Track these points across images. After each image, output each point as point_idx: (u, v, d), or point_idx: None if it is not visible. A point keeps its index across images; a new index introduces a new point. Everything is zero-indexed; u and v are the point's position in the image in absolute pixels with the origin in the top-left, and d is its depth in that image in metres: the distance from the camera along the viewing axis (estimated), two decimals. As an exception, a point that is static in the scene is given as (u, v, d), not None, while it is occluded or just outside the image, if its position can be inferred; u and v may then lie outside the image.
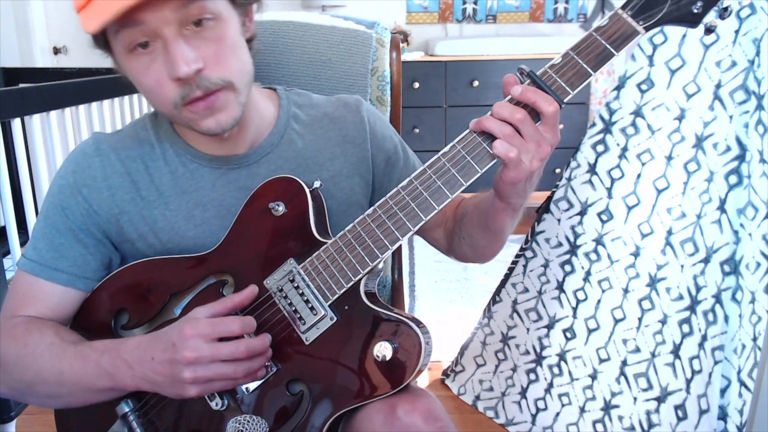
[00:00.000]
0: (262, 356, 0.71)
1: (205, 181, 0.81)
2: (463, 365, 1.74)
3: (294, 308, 0.72)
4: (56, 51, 3.21)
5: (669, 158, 1.34)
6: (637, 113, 1.37)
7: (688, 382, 1.33)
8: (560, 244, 1.50)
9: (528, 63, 0.69)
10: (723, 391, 1.29)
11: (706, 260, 1.29)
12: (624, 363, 1.41)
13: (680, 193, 1.33)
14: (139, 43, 0.68)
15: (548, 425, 1.54)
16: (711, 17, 0.66)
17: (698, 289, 1.30)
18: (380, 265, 0.72)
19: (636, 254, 1.39)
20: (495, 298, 1.65)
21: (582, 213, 1.46)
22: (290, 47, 1.09)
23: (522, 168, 0.66)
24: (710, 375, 1.29)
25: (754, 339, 1.23)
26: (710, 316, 1.29)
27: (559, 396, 1.52)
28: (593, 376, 1.46)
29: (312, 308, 0.71)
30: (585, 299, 1.46)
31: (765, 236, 1.21)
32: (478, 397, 1.69)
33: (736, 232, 1.25)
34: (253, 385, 0.73)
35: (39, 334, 0.74)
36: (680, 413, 1.34)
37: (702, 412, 1.30)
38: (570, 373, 1.50)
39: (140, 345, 0.70)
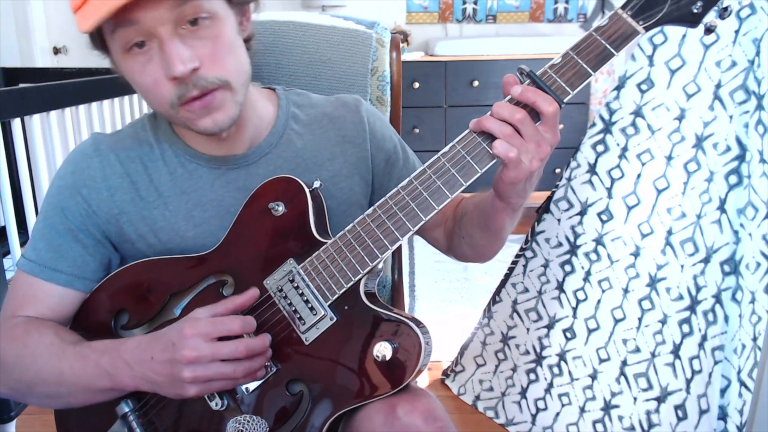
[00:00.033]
0: (261, 356, 0.71)
1: (203, 182, 0.81)
2: (463, 365, 1.74)
3: (294, 308, 0.72)
4: (56, 51, 3.21)
5: (669, 158, 1.34)
6: (637, 113, 1.37)
7: (688, 382, 1.32)
8: (560, 244, 1.50)
9: (528, 63, 0.69)
10: (723, 391, 1.29)
11: (706, 260, 1.29)
12: (624, 363, 1.41)
13: (680, 193, 1.33)
14: (135, 43, 0.68)
15: (548, 425, 1.54)
16: (711, 17, 0.66)
17: (698, 289, 1.30)
18: (380, 265, 0.72)
19: (636, 254, 1.39)
20: (495, 298, 1.65)
21: (582, 213, 1.46)
22: (290, 47, 1.09)
23: (522, 168, 0.66)
24: (710, 375, 1.29)
25: (754, 339, 1.23)
26: (710, 316, 1.28)
27: (559, 396, 1.52)
28: (593, 376, 1.46)
29: (312, 308, 0.71)
30: (585, 299, 1.46)
31: (765, 236, 1.21)
32: (478, 397, 1.69)
33: (736, 232, 1.25)
34: (252, 385, 0.73)
35: (38, 334, 0.74)
36: (680, 413, 1.34)
37: (702, 412, 1.30)
38: (570, 373, 1.50)
39: (140, 345, 0.70)
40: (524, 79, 0.67)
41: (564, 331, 1.50)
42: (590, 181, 1.45)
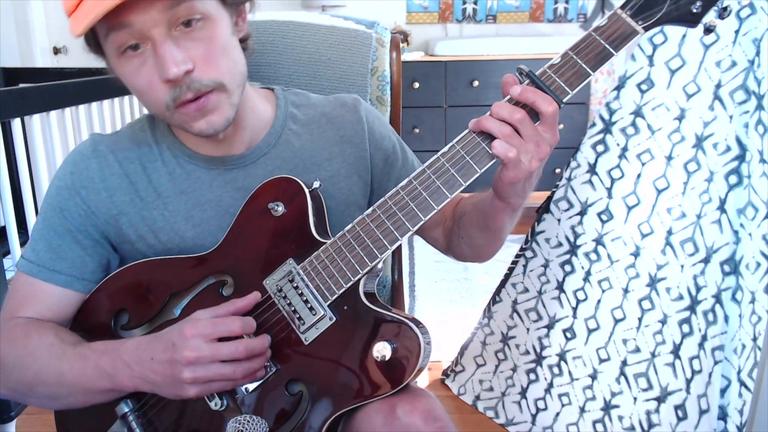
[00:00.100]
0: (261, 356, 0.71)
1: (202, 182, 0.81)
2: (463, 365, 1.74)
3: (293, 308, 0.72)
4: (56, 51, 3.21)
5: (669, 158, 1.34)
6: (637, 113, 1.37)
7: (688, 382, 1.32)
8: (560, 244, 1.50)
9: (528, 63, 0.69)
10: (723, 391, 1.29)
11: (706, 260, 1.29)
12: (624, 363, 1.41)
13: (680, 193, 1.33)
14: (129, 46, 0.68)
15: (548, 425, 1.54)
16: (710, 17, 0.66)
17: (698, 289, 1.30)
18: (380, 265, 0.72)
19: (636, 254, 1.39)
20: (495, 298, 1.65)
21: (582, 213, 1.46)
22: (290, 47, 1.09)
23: (521, 168, 0.66)
24: (710, 375, 1.29)
25: (754, 339, 1.23)
26: (710, 316, 1.28)
27: (559, 396, 1.52)
28: (593, 376, 1.46)
29: (311, 308, 0.71)
30: (585, 299, 1.46)
31: (765, 236, 1.21)
32: (478, 397, 1.69)
33: (736, 232, 1.25)
34: (252, 386, 0.73)
35: (38, 335, 0.74)
36: (680, 413, 1.34)
37: (702, 412, 1.30)
38: (570, 373, 1.50)
39: (140, 345, 0.70)
40: (523, 79, 0.67)
41: (564, 331, 1.50)
42: (590, 181, 1.45)
